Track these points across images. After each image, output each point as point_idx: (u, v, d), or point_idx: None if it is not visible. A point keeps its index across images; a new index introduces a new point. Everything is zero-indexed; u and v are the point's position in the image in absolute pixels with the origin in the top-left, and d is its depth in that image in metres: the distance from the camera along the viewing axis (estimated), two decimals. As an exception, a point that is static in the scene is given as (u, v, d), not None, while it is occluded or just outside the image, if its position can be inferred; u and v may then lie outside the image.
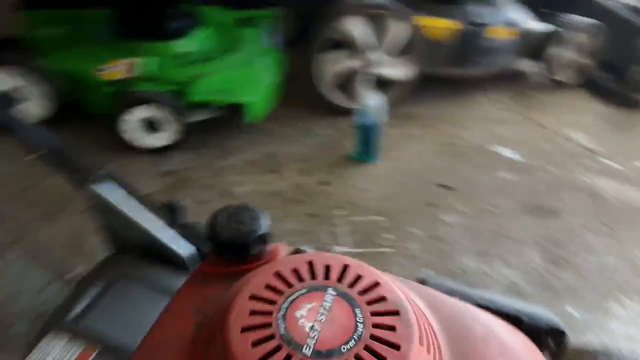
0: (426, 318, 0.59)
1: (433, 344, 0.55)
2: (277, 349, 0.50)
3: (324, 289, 0.56)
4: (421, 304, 0.63)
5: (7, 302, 1.68)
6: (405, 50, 2.77)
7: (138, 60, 2.46)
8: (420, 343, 0.52)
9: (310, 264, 0.59)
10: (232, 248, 0.67)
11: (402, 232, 2.06)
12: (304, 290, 0.56)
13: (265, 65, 2.69)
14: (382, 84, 2.81)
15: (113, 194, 1.16)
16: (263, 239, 0.68)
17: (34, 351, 0.94)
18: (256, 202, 2.22)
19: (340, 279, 0.57)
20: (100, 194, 1.13)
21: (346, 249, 1.97)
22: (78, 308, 1.03)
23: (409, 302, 0.58)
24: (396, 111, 2.86)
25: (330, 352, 0.49)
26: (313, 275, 0.58)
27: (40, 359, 0.92)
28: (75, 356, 0.93)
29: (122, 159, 2.46)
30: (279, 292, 0.55)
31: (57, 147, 1.10)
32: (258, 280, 0.56)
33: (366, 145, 2.50)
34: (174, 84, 2.43)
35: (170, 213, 1.25)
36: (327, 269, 0.59)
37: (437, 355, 0.55)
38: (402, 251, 1.96)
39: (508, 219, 2.11)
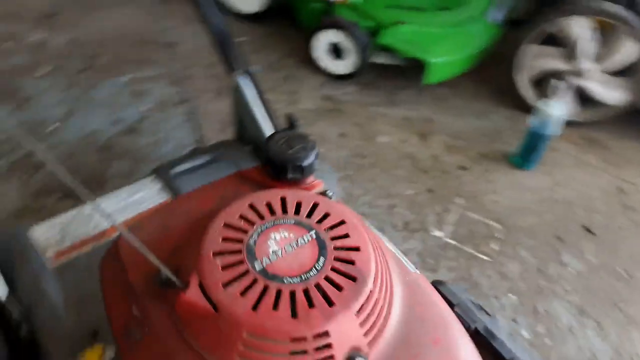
0: (389, 302, 0.61)
1: (374, 323, 0.57)
2: (236, 251, 0.57)
3: (308, 228, 0.61)
4: (399, 291, 0.64)
5: (158, 143, 2.03)
6: (626, 73, 2.41)
7: None
8: (357, 315, 0.55)
9: (315, 205, 0.64)
10: (273, 165, 0.74)
11: (511, 250, 1.93)
12: (291, 221, 0.61)
13: (472, 34, 2.60)
14: (582, 97, 2.51)
15: (249, 90, 1.30)
16: (302, 170, 0.74)
17: (133, 184, 1.16)
18: (388, 157, 2.25)
19: (329, 229, 0.61)
20: (239, 85, 1.29)
21: (441, 235, 1.92)
22: (182, 167, 1.23)
23: (381, 279, 0.60)
24: (582, 130, 2.57)
25: (274, 277, 0.55)
26: (310, 215, 0.63)
27: (134, 192, 1.14)
28: (159, 201, 1.14)
29: (297, 71, 2.66)
30: (272, 212, 0.62)
31: (225, 32, 1.26)
32: (263, 196, 0.63)
33: (528, 151, 2.32)
34: (374, 21, 2.50)
35: (287, 124, 1.36)
36: (325, 216, 0.63)
37: (373, 334, 0.57)
38: (499, 267, 1.85)
39: (636, 294, 1.83)
